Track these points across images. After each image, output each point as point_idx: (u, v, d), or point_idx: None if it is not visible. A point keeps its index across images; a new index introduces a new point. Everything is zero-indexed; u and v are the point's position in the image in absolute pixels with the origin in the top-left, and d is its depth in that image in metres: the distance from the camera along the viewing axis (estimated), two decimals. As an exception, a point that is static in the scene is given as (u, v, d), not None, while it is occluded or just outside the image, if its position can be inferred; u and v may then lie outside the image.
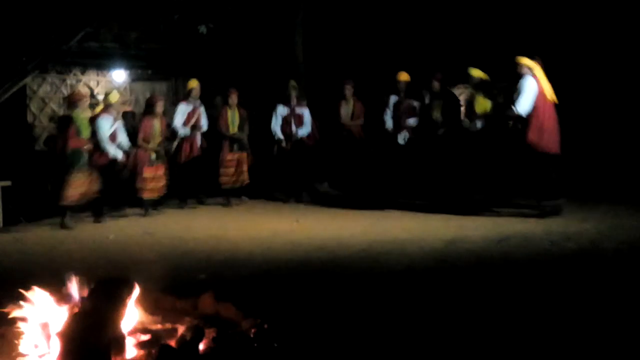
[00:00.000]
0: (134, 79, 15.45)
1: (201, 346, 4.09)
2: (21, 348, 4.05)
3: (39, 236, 10.06)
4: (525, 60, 9.96)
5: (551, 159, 9.87)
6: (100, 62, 14.84)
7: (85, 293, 4.21)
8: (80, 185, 10.68)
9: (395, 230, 9.32)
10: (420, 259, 7.46)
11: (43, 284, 4.28)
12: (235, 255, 8.03)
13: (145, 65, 15.45)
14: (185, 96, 12.77)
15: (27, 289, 4.23)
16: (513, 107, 9.83)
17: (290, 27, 14.52)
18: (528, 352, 4.39)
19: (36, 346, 4.05)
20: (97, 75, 15.22)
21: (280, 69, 14.24)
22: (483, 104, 11.51)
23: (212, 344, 4.13)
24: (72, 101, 11.16)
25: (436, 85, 12.47)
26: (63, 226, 10.55)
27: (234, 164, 12.69)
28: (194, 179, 12.56)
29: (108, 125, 11.13)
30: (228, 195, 12.74)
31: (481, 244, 8.05)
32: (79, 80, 15.01)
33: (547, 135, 9.85)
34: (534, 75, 9.88)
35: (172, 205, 12.39)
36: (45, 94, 14.51)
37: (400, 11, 14.99)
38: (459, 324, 4.99)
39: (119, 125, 11.44)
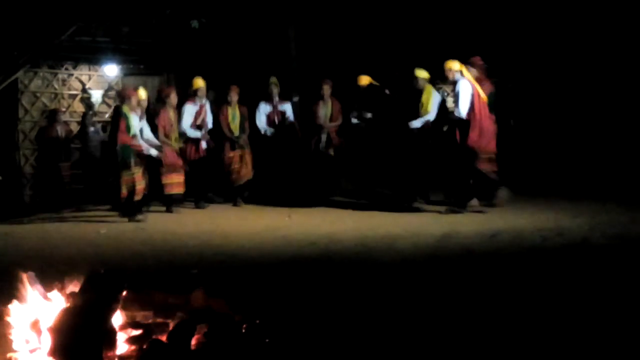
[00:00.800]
0: (126, 74, 15.40)
1: (192, 341, 4.08)
2: (12, 343, 4.03)
3: (30, 231, 10.04)
4: (453, 65, 10.21)
5: (488, 160, 10.08)
6: (92, 56, 14.79)
7: (77, 288, 4.20)
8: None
9: (387, 226, 9.33)
10: (412, 253, 7.47)
11: (32, 278, 4.27)
12: (228, 251, 8.02)
13: (137, 60, 15.41)
14: (191, 96, 12.32)
15: (17, 283, 4.22)
16: (455, 110, 10.12)
17: (283, 22, 14.50)
18: (519, 345, 4.40)
19: (27, 341, 4.04)
20: (89, 69, 15.17)
21: (273, 65, 14.21)
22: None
23: (203, 339, 4.12)
24: (123, 96, 11.04)
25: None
26: (132, 220, 10.50)
27: (238, 160, 12.54)
28: (201, 179, 12.37)
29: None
30: (236, 194, 12.59)
31: (473, 239, 8.07)
32: (70, 75, 14.96)
33: (486, 134, 10.08)
34: (465, 77, 10.12)
35: (188, 206, 12.25)
36: (37, 88, 14.47)
37: (395, 6, 14.97)
38: (451, 318, 4.99)
39: (144, 122, 11.24)
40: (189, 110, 12.14)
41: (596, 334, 4.55)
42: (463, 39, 13.94)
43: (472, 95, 10.02)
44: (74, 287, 4.27)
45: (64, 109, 14.78)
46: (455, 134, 10.22)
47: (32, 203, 12.62)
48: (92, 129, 14.11)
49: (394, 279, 6.43)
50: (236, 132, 12.52)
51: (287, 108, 13.14)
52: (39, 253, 8.25)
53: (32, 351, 4.00)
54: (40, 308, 4.16)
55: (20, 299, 4.16)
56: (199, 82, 12.26)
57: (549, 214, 9.75)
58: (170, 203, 11.70)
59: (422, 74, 11.71)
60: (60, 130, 14.07)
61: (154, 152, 11.02)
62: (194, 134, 12.10)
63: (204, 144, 12.26)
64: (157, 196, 11.77)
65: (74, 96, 15.18)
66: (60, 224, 10.54)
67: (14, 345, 4.02)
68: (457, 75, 10.18)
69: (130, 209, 10.57)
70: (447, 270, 6.69)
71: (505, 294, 5.67)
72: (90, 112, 14.81)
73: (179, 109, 12.07)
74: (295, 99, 13.85)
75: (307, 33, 14.65)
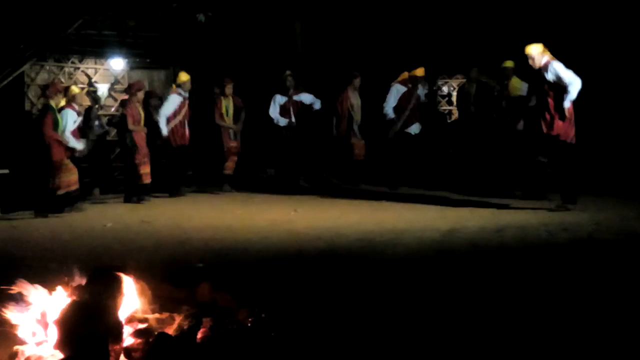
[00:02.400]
0: (132, 67, 15.39)
1: (198, 335, 4.09)
2: (19, 336, 4.05)
3: (37, 224, 10.06)
4: (535, 48, 9.50)
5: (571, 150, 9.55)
6: (98, 50, 14.78)
7: (83, 282, 4.21)
8: None
9: (392, 221, 9.32)
10: (417, 248, 7.47)
11: (40, 271, 4.29)
12: (233, 245, 8.03)
13: (143, 54, 15.40)
14: (177, 87, 12.80)
15: (24, 276, 4.24)
16: (565, 95, 9.30)
17: (290, 17, 14.49)
18: (524, 340, 4.40)
19: (34, 334, 4.06)
20: (95, 63, 15.16)
21: (279, 58, 14.23)
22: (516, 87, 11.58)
23: (209, 332, 4.13)
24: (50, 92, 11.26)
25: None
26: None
27: (237, 151, 12.93)
28: (184, 167, 12.76)
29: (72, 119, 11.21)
30: (224, 180, 13.06)
31: (478, 234, 8.06)
32: (77, 68, 14.96)
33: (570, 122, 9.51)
34: (554, 58, 9.47)
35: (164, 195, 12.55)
36: (43, 81, 14.44)
37: (400, 1, 14.95)
38: (456, 313, 5.00)
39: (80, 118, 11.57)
40: (173, 100, 12.59)
41: (601, 330, 4.55)
42: (470, 33, 13.95)
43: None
44: (80, 280, 4.28)
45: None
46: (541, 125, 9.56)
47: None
48: (96, 122, 14.10)
49: (399, 273, 6.44)
50: (230, 123, 12.98)
51: (304, 98, 13.44)
52: (45, 246, 8.27)
53: (38, 344, 4.02)
54: (46, 300, 4.17)
55: (26, 291, 4.18)
56: (185, 77, 12.66)
57: (548, 207, 9.73)
58: (145, 193, 12.12)
59: (509, 63, 11.62)
60: None
61: (79, 146, 11.18)
62: (164, 127, 12.44)
63: (187, 131, 12.68)
64: (132, 188, 12.14)
65: (80, 89, 15.19)
66: (66, 217, 10.55)
67: (21, 338, 4.04)
68: (545, 58, 9.42)
69: (54, 204, 10.82)
70: (453, 265, 6.69)
71: (511, 290, 5.68)
72: (96, 106, 14.81)
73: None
74: (302, 90, 13.87)
75: (314, 27, 14.64)
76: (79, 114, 11.48)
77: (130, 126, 11.95)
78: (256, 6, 14.61)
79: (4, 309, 4.10)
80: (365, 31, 15.03)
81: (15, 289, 4.15)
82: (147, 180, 12.08)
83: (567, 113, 9.34)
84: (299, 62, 14.56)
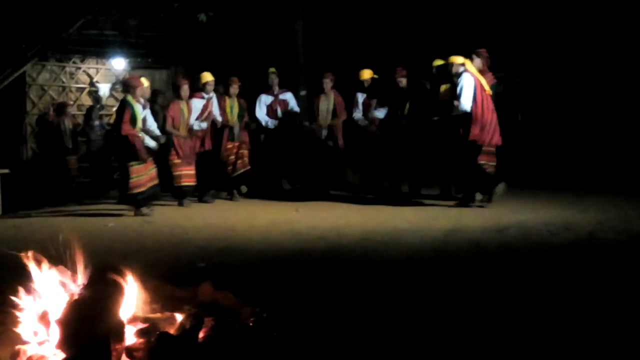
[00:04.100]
0: (134, 67, 15.43)
1: (200, 334, 4.09)
2: (20, 335, 4.05)
3: (38, 223, 10.06)
4: (456, 59, 10.27)
5: (489, 153, 10.10)
6: (99, 49, 14.83)
7: (84, 281, 4.21)
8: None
9: (394, 220, 9.32)
10: (419, 248, 7.46)
11: (40, 271, 4.29)
12: (235, 244, 8.03)
13: (144, 53, 15.44)
14: (199, 90, 12.36)
15: (25, 275, 4.25)
16: (457, 103, 10.04)
17: (291, 16, 14.49)
18: (526, 342, 4.39)
19: (35, 333, 4.06)
20: (97, 63, 15.21)
21: (280, 58, 14.23)
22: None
23: (211, 332, 4.13)
24: (128, 86, 10.88)
25: (403, 81, 12.47)
26: (139, 213, 10.56)
27: (235, 152, 12.64)
28: (206, 173, 12.42)
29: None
30: (232, 187, 12.70)
31: (480, 234, 8.06)
32: (78, 68, 15.00)
33: (488, 128, 10.06)
34: (468, 71, 10.11)
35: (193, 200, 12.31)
36: (45, 81, 14.50)
37: (402, 2, 14.97)
38: (457, 313, 4.99)
39: (147, 112, 11.15)
40: (196, 105, 12.11)
41: (603, 330, 4.55)
42: (470, 33, 13.94)
43: (475, 89, 10.00)
44: (82, 280, 4.28)
45: (71, 102, 14.80)
46: (457, 128, 10.18)
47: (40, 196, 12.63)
48: (97, 122, 14.12)
49: (401, 273, 6.43)
50: (234, 123, 12.64)
51: (289, 97, 13.28)
52: (47, 245, 8.25)
53: (40, 343, 4.02)
54: (48, 299, 4.17)
55: (28, 290, 4.18)
56: (208, 76, 12.26)
57: (556, 208, 9.74)
58: (182, 195, 11.75)
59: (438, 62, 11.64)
60: (67, 123, 14.08)
61: (152, 143, 10.86)
62: (199, 125, 12.07)
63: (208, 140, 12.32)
64: (168, 188, 11.80)
65: (81, 89, 15.23)
66: (67, 217, 10.56)
67: (23, 337, 4.03)
68: (460, 69, 10.19)
69: (137, 201, 10.57)
70: (454, 265, 6.68)
71: (513, 290, 5.67)
72: (98, 106, 14.83)
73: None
74: (303, 92, 13.85)
75: (314, 27, 14.64)
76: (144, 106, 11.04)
77: (169, 128, 11.67)
78: (257, 6, 14.62)
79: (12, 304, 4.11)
80: (365, 30, 15.04)
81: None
82: (183, 182, 11.77)
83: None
84: (300, 61, 14.56)
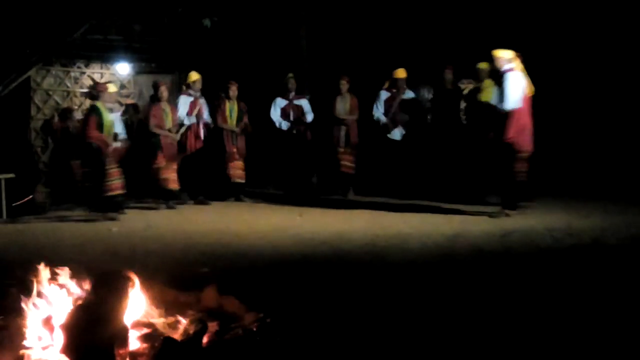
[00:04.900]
0: (138, 72, 15.42)
1: (204, 339, 4.10)
2: (25, 340, 4.06)
3: (42, 228, 10.08)
4: (503, 53, 9.65)
5: (523, 159, 9.60)
6: (104, 54, 14.82)
7: (88, 286, 4.22)
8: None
9: (398, 225, 9.32)
10: (423, 253, 7.47)
11: (45, 276, 4.30)
12: (239, 249, 8.03)
13: (149, 58, 15.43)
14: (186, 88, 12.82)
15: (29, 280, 4.25)
16: (499, 105, 9.53)
17: (295, 21, 14.51)
18: (529, 347, 4.39)
19: (40, 338, 4.07)
20: (101, 68, 15.20)
21: (284, 63, 14.25)
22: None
23: (214, 337, 4.14)
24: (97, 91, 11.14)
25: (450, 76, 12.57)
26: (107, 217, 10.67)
27: (241, 155, 12.81)
28: (201, 172, 12.60)
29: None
30: (237, 191, 12.82)
31: (484, 239, 8.06)
32: (82, 73, 14.99)
33: (525, 133, 9.57)
34: (515, 68, 9.55)
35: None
36: (49, 86, 14.48)
37: (406, 4, 14.95)
38: (461, 318, 4.99)
39: (117, 116, 11.51)
40: (183, 101, 12.53)
41: (606, 335, 4.54)
42: (475, 37, 13.93)
43: (522, 91, 9.45)
44: (86, 285, 4.29)
45: (76, 107, 14.81)
46: (493, 130, 9.72)
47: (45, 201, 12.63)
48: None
49: (404, 278, 6.43)
50: (233, 126, 12.81)
51: (304, 103, 13.46)
52: (51, 251, 8.29)
53: (44, 348, 4.03)
54: (52, 304, 4.18)
55: (33, 295, 4.19)
56: (195, 76, 12.65)
57: (560, 213, 9.73)
58: (171, 197, 11.98)
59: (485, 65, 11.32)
60: (72, 128, 14.08)
61: (116, 144, 11.18)
62: (189, 120, 12.37)
63: (202, 133, 12.54)
64: (154, 192, 12.09)
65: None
66: (72, 222, 10.58)
67: (27, 342, 4.04)
68: (505, 65, 9.55)
69: (112, 204, 10.76)
70: (458, 271, 6.68)
71: (515, 295, 5.67)
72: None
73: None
74: (307, 97, 13.87)
75: (319, 31, 14.66)
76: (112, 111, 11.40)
77: (153, 129, 11.96)
78: (261, 11, 14.63)
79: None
80: (370, 35, 15.04)
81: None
82: (173, 185, 12.01)
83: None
84: (304, 66, 14.57)
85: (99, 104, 10.80)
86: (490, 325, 4.82)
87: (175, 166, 12.11)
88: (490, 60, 10.19)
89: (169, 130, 12.11)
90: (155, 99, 12.37)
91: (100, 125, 10.62)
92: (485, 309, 5.27)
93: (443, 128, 12.44)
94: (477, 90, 11.60)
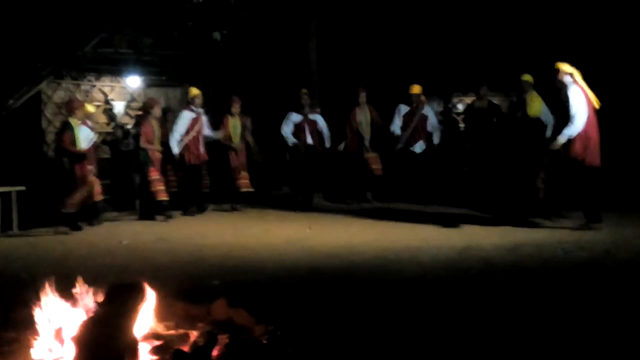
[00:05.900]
0: (148, 85, 15.50)
1: (214, 352, 4.10)
2: (35, 352, 4.07)
3: (53, 241, 10.10)
4: (565, 67, 9.21)
5: (592, 173, 9.24)
6: (114, 68, 14.90)
7: (99, 299, 4.23)
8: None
9: (408, 238, 9.31)
10: (433, 266, 7.45)
11: (56, 289, 4.31)
12: (249, 262, 8.03)
13: (159, 72, 15.51)
14: (188, 104, 12.83)
15: (41, 292, 4.26)
16: (569, 127, 9.08)
17: (304, 34, 14.56)
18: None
19: (50, 350, 4.08)
20: (112, 81, 15.28)
21: (293, 76, 14.30)
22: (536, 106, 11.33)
23: (224, 349, 4.13)
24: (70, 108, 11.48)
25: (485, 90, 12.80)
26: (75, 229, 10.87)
27: (244, 168, 12.98)
28: (198, 185, 12.71)
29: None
30: (238, 199, 12.99)
31: (494, 252, 8.03)
32: (93, 86, 15.07)
33: (592, 147, 9.19)
34: (577, 82, 9.18)
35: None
36: (60, 99, 14.56)
37: (414, 19, 14.99)
38: (472, 333, 4.98)
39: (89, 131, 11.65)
40: (185, 117, 12.51)
41: (614, 348, 4.52)
42: (482, 50, 13.97)
43: (587, 105, 9.05)
44: (96, 297, 4.30)
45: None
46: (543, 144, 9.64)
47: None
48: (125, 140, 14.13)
49: (415, 292, 6.42)
50: (236, 141, 12.96)
51: (319, 118, 13.59)
52: (62, 263, 8.30)
53: (55, 360, 4.04)
54: (63, 317, 4.19)
55: (44, 307, 4.21)
56: (194, 91, 12.69)
57: (571, 226, 9.69)
58: (162, 209, 12.04)
59: (527, 77, 11.30)
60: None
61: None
62: (175, 146, 12.35)
63: (202, 148, 12.60)
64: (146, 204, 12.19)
65: (96, 107, 15.28)
66: (83, 234, 10.61)
67: (38, 354, 4.05)
68: (567, 79, 9.15)
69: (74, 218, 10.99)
70: (468, 284, 6.66)
71: (525, 309, 5.65)
72: (113, 124, 14.93)
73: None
74: (317, 110, 13.91)
75: (328, 45, 14.70)
76: (92, 129, 11.67)
77: (143, 144, 11.97)
78: (271, 24, 14.69)
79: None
80: (380, 49, 15.07)
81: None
82: (162, 196, 12.03)
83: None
84: (314, 79, 14.61)
85: (72, 119, 11.16)
86: (499, 339, 4.80)
87: (163, 178, 12.24)
88: (530, 72, 10.21)
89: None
90: (146, 115, 12.35)
91: (73, 141, 11.03)
92: (494, 323, 5.25)
93: (480, 142, 12.64)
94: (518, 104, 11.60)
